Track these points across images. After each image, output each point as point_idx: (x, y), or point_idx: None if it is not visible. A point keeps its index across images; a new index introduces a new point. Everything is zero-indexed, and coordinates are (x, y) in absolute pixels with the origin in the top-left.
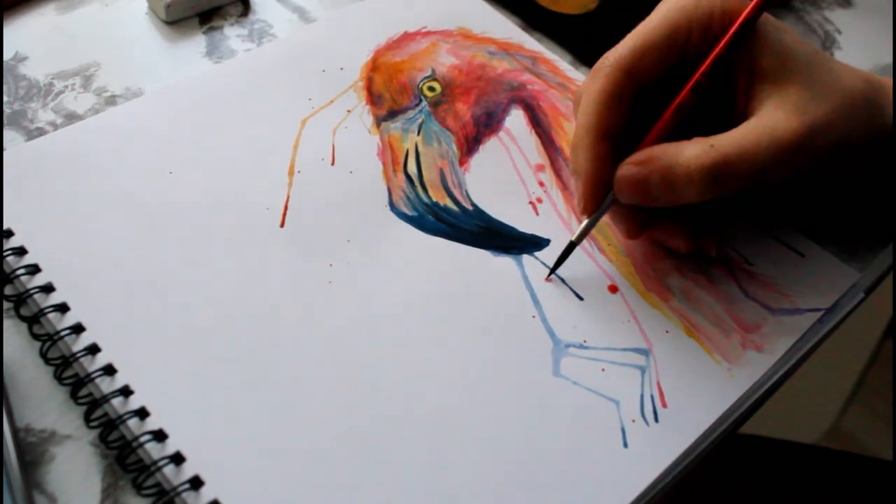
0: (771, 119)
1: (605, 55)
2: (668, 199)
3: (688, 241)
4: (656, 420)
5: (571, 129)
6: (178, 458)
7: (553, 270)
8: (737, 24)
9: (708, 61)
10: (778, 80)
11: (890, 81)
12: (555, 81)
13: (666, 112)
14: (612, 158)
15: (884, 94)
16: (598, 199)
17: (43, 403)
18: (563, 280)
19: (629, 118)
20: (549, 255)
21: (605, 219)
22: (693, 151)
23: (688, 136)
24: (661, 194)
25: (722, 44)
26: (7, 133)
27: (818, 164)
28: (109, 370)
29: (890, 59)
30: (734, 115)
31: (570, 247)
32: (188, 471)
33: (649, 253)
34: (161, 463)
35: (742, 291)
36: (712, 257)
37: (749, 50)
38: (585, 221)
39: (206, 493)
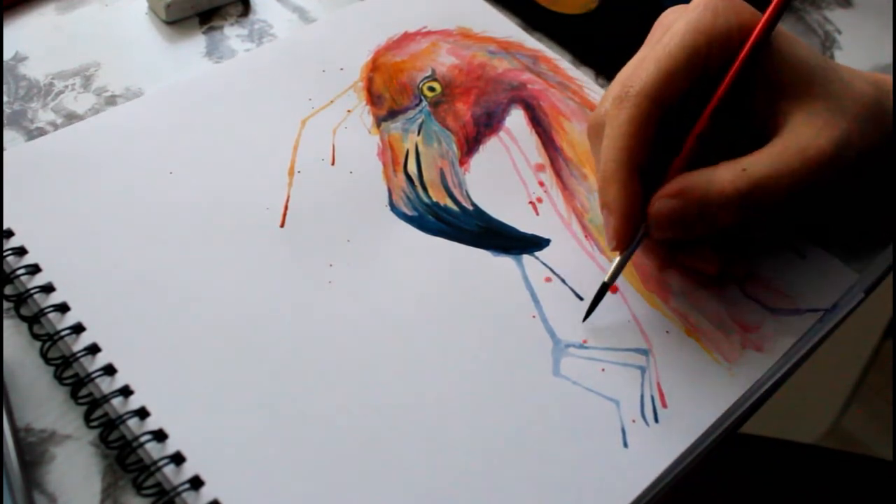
0: (799, 138)
1: (627, 83)
2: (704, 228)
3: (717, 264)
4: (656, 420)
5: (571, 128)
6: (178, 458)
7: (588, 315)
8: (750, 42)
9: (724, 85)
10: (799, 96)
11: (889, 78)
12: (555, 80)
13: (687, 142)
14: (642, 191)
15: (886, 94)
16: (631, 234)
17: (43, 403)
18: (563, 280)
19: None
20: (550, 254)
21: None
22: (727, 177)
23: (707, 153)
24: (698, 224)
25: (737, 65)
26: (7, 133)
27: (843, 178)
28: (109, 370)
29: (890, 60)
30: (754, 131)
31: (604, 288)
32: (188, 471)
33: (649, 253)
34: (161, 463)
35: (742, 291)
36: (739, 277)
37: (766, 65)
38: (617, 259)
39: (206, 493)
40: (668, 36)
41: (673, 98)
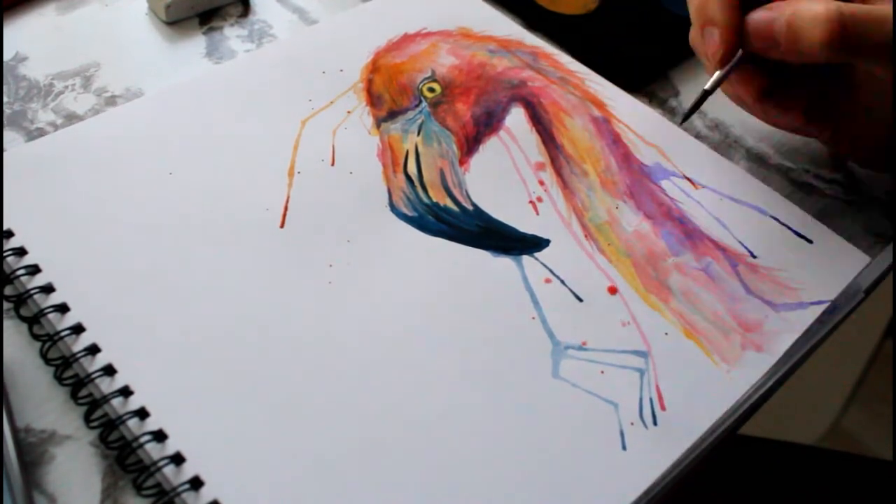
0: None
1: None
2: (792, 47)
3: (801, 117)
4: (655, 423)
5: (573, 124)
6: (178, 459)
7: (688, 116)
8: None
9: None
10: None
11: None
12: (556, 76)
13: None
14: (741, 8)
15: None
16: (733, 46)
17: (43, 404)
18: (562, 281)
19: None
20: (549, 255)
21: (606, 216)
22: (821, 3)
23: None
24: (786, 41)
25: None
26: (7, 133)
27: None
28: (109, 370)
29: None
30: None
31: (704, 94)
32: (188, 471)
33: (650, 251)
34: (161, 463)
35: (744, 288)
36: (821, 140)
37: None
38: (718, 72)
39: (206, 493)
40: None
41: None
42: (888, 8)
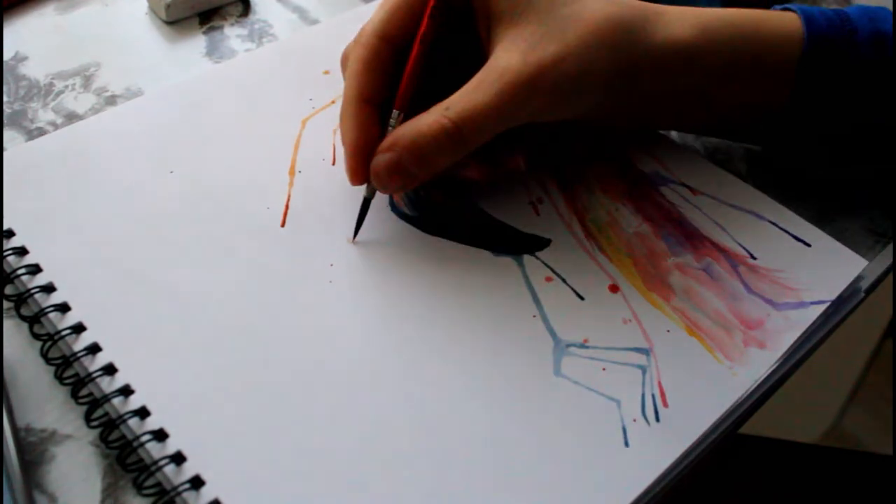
0: (499, 63)
1: (364, 25)
2: (424, 172)
3: (489, 172)
4: (657, 419)
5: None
6: (178, 458)
7: (356, 233)
8: None
9: (425, 16)
10: (513, 21)
11: (668, 9)
12: None
13: (402, 81)
14: (378, 124)
15: (654, 21)
16: (364, 166)
17: (43, 403)
18: (563, 280)
19: (393, 84)
20: (550, 254)
21: (606, 217)
22: (431, 118)
23: (445, 93)
24: (418, 170)
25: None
26: (7, 133)
27: (563, 100)
28: (110, 370)
29: None
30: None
31: (366, 203)
32: (189, 470)
33: (650, 251)
34: (161, 462)
35: (745, 287)
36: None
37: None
38: (365, 191)
39: (207, 492)
40: None
41: (401, 34)
42: (485, 86)
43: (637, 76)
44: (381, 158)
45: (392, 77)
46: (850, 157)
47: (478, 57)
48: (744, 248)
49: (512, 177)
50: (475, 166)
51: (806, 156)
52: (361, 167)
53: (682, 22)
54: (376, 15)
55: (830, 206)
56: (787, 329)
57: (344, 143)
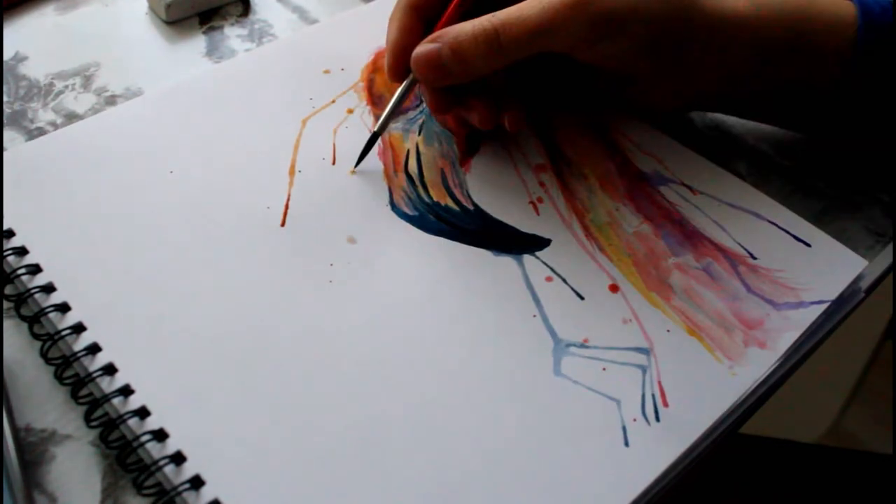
0: None
1: None
2: (460, 70)
3: (489, 117)
4: (657, 419)
5: (572, 128)
6: (178, 458)
7: (358, 163)
8: None
9: None
10: None
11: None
12: None
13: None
14: (422, 32)
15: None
16: (402, 67)
17: (43, 403)
18: (563, 279)
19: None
20: (550, 254)
21: (606, 217)
22: (477, 22)
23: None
24: (453, 66)
25: None
26: (7, 133)
27: (606, 33)
28: (110, 370)
29: None
30: None
31: (374, 137)
32: (188, 470)
33: (651, 251)
34: (161, 462)
35: (745, 287)
36: (512, 132)
37: None
38: (387, 109)
39: (207, 492)
40: None
41: None
42: (532, 4)
43: (686, 41)
44: (422, 48)
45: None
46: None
47: None
48: (744, 247)
49: (505, 135)
50: (477, 107)
51: (853, 140)
52: (399, 64)
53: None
54: None
55: (830, 206)
56: (787, 329)
57: (387, 42)
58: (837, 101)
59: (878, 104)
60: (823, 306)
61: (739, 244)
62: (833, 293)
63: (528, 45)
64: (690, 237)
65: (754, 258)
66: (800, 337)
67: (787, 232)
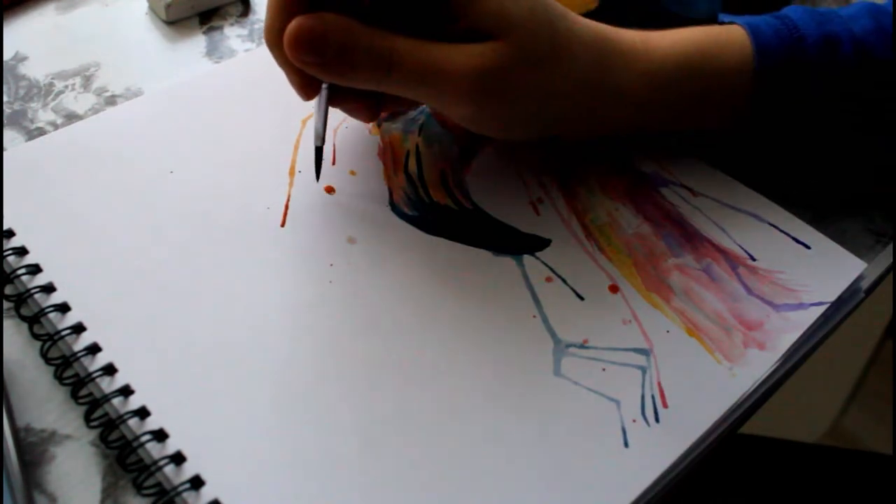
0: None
1: None
2: (339, 76)
3: (370, 114)
4: (657, 420)
5: None
6: (178, 458)
7: (317, 175)
8: None
9: None
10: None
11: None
12: None
13: None
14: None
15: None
16: (278, 28)
17: (43, 403)
18: (563, 280)
19: None
20: (550, 254)
21: (606, 217)
22: (376, 40)
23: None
24: (335, 69)
25: None
26: (7, 133)
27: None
28: (110, 370)
29: None
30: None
31: (319, 151)
32: (188, 470)
33: (650, 252)
34: (161, 463)
35: (745, 288)
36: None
37: None
38: (318, 121)
39: (207, 492)
40: None
41: None
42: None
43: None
44: (298, 21)
45: None
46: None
47: None
48: (743, 249)
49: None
50: (363, 109)
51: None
52: (274, 28)
53: (629, 71)
54: None
55: (830, 207)
56: (787, 330)
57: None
58: (751, 140)
59: (786, 136)
60: (823, 308)
61: (739, 245)
62: (832, 295)
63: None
64: (690, 238)
65: (754, 259)
66: (799, 338)
67: (787, 234)
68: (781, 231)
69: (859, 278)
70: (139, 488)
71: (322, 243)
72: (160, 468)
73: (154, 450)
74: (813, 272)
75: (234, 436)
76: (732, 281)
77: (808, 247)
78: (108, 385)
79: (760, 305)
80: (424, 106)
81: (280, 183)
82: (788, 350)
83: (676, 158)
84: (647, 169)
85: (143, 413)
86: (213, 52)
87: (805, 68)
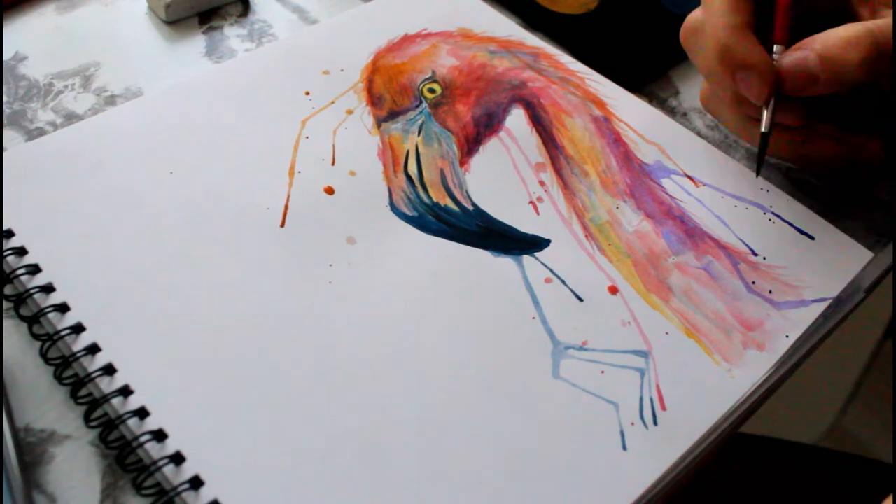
0: None
1: None
2: (832, 78)
3: (845, 146)
4: (655, 423)
5: (573, 124)
6: (178, 458)
7: (760, 165)
8: None
9: None
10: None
11: None
12: (556, 77)
13: (780, 5)
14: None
15: None
16: (774, 83)
17: (43, 403)
18: (563, 281)
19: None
20: (550, 255)
21: (606, 216)
22: (842, 28)
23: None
24: (825, 74)
25: None
26: (7, 133)
27: None
28: (109, 370)
29: None
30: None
31: (765, 137)
32: (188, 471)
33: (650, 251)
34: (161, 463)
35: (745, 286)
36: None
37: None
38: (767, 112)
39: (206, 493)
40: None
41: None
42: None
43: None
44: (790, 56)
45: (755, 10)
46: None
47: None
48: (745, 243)
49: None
50: (794, 107)
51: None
52: (772, 85)
53: None
54: None
55: (830, 206)
56: (787, 329)
57: (750, 65)
58: None
59: None
60: (824, 304)
61: (741, 240)
62: (836, 289)
63: None
64: (691, 234)
65: (755, 254)
66: (799, 338)
67: (792, 225)
68: (786, 221)
69: (861, 276)
70: (139, 488)
71: (322, 243)
72: (159, 468)
73: (153, 450)
74: (816, 265)
75: (234, 436)
76: (733, 278)
77: (812, 237)
78: (107, 385)
79: (761, 304)
80: (424, 105)
81: (280, 183)
82: (787, 351)
83: (680, 142)
84: (650, 159)
85: (142, 413)
86: (212, 52)
87: None
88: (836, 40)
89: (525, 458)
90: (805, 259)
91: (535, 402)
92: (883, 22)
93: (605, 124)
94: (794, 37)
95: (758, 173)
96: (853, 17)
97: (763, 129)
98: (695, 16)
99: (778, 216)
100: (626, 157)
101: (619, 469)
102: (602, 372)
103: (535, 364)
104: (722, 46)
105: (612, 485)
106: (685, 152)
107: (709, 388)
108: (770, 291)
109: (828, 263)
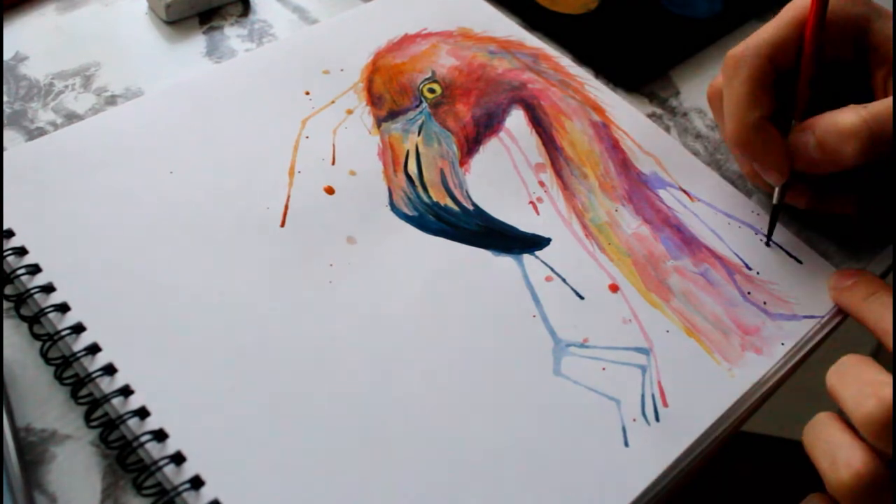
0: None
1: (739, 49)
2: (830, 164)
3: (850, 206)
4: (657, 419)
5: (572, 126)
6: (178, 458)
7: (770, 233)
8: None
9: (808, 37)
10: None
11: None
12: (556, 79)
13: (800, 86)
14: (781, 136)
15: None
16: (788, 171)
17: (43, 403)
18: (563, 279)
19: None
20: (550, 254)
21: (605, 217)
22: (850, 111)
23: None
24: (823, 160)
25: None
26: (7, 133)
27: None
28: (110, 370)
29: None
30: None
31: (776, 209)
32: (188, 470)
33: (650, 253)
34: (161, 463)
35: (741, 295)
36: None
37: (877, 46)
38: (778, 189)
39: (207, 492)
40: (781, 12)
41: (782, 62)
42: None
43: None
44: (798, 137)
45: (774, 93)
46: None
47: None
48: (740, 258)
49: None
50: (803, 191)
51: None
52: (786, 173)
53: None
54: (759, 39)
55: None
56: (782, 338)
57: (764, 160)
58: None
59: None
60: (815, 321)
61: (735, 254)
62: (823, 310)
63: None
64: (688, 243)
65: (749, 268)
66: (795, 345)
67: (781, 248)
68: (775, 244)
69: None
70: (139, 488)
71: (322, 243)
72: (160, 468)
73: (154, 450)
74: (805, 286)
75: (234, 436)
76: (729, 286)
77: (799, 262)
78: (107, 385)
79: (756, 312)
80: (424, 105)
81: (280, 183)
82: (785, 356)
83: (676, 158)
84: (646, 169)
85: (142, 413)
86: (212, 52)
87: None
88: (833, 130)
89: (527, 455)
90: (795, 279)
91: (536, 399)
92: (881, 107)
93: (604, 130)
94: (815, 98)
95: (768, 243)
96: (868, 76)
97: (774, 202)
98: (716, 82)
99: (768, 239)
100: (624, 165)
101: (622, 465)
102: (603, 369)
103: (536, 362)
104: (740, 140)
105: (614, 481)
106: (680, 168)
107: (710, 386)
108: (764, 303)
109: (816, 287)
